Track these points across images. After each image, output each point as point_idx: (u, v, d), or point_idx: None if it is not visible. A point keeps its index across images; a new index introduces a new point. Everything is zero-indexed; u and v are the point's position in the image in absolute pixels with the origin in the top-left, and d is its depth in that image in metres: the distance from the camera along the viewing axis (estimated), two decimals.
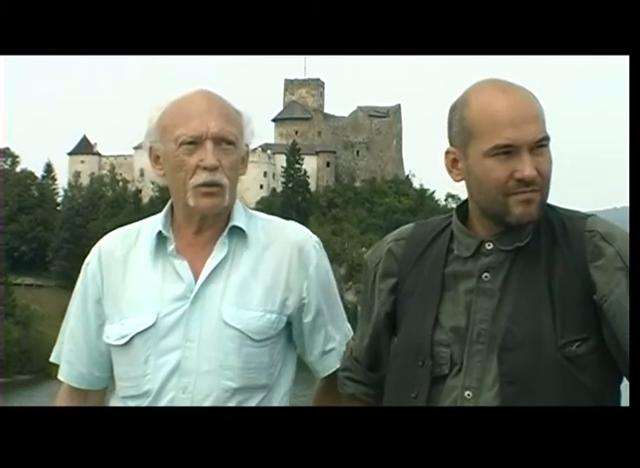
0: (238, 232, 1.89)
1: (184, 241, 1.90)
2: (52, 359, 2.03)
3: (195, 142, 1.81)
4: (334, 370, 1.96)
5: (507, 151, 1.58)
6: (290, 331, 1.95)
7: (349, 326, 2.03)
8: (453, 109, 1.66)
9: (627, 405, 1.48)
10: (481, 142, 1.59)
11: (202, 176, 1.81)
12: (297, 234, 1.96)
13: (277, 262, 1.90)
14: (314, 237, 1.98)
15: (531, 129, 1.58)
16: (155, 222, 1.93)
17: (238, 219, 1.90)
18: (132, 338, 1.86)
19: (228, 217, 1.90)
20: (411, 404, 1.63)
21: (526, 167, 1.57)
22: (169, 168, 1.86)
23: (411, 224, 1.84)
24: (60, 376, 2.02)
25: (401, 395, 1.67)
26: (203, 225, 1.89)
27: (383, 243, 1.82)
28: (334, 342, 1.97)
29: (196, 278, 1.86)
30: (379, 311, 1.77)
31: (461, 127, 1.63)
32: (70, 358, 2.00)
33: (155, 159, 1.90)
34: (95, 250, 1.99)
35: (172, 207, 1.93)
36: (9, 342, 62.61)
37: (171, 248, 1.88)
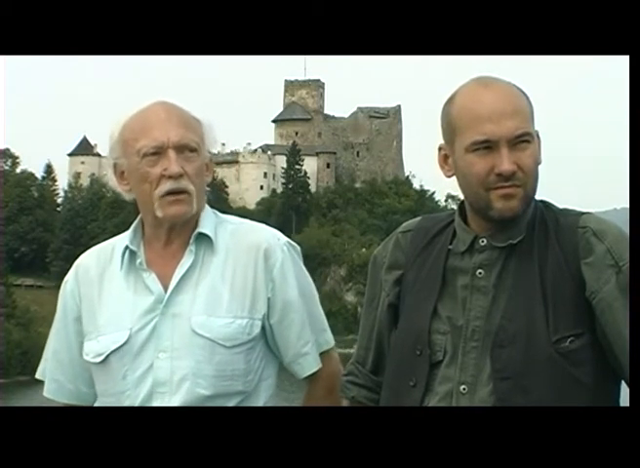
0: (205, 239, 1.88)
1: (154, 253, 1.90)
2: (37, 375, 2.02)
3: (158, 152, 1.81)
4: (312, 371, 1.94)
5: (487, 146, 1.59)
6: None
7: (330, 336, 2.01)
8: (443, 107, 1.68)
9: (627, 404, 1.48)
10: (463, 138, 1.61)
11: (167, 185, 1.81)
12: (264, 236, 1.93)
13: (244, 266, 1.88)
14: (284, 239, 1.96)
15: (508, 124, 1.58)
16: (126, 237, 1.93)
17: (204, 226, 1.89)
18: (107, 356, 1.86)
19: (196, 225, 1.89)
20: (409, 393, 1.64)
21: (504, 162, 1.57)
22: (134, 181, 1.86)
23: (419, 217, 1.85)
24: (46, 394, 2.01)
25: (399, 384, 1.68)
26: (171, 235, 1.88)
27: (392, 236, 1.83)
28: (308, 346, 1.93)
29: (166, 289, 1.85)
30: (382, 302, 1.78)
31: (447, 123, 1.65)
32: (56, 375, 1.99)
33: (120, 175, 1.90)
34: (73, 268, 1.99)
35: (142, 221, 1.93)
36: (9, 344, 62.50)
37: (138, 261, 1.88)
